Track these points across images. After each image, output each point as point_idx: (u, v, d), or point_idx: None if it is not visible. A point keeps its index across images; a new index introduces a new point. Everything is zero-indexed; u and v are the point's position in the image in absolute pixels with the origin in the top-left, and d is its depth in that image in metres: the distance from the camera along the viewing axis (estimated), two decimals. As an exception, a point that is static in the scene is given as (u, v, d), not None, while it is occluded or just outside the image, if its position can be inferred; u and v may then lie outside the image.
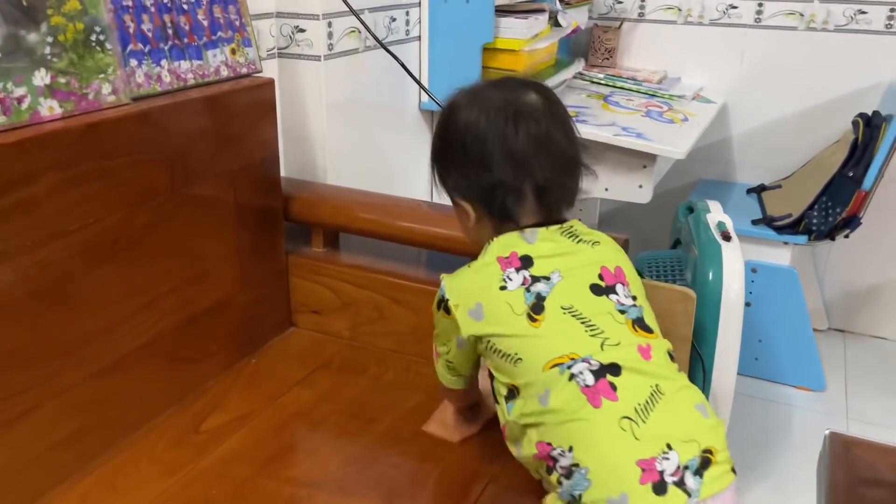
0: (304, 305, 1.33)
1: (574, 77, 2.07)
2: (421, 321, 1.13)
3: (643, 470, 0.73)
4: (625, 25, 2.19)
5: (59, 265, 0.89)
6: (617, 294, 0.85)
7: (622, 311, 0.84)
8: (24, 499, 0.89)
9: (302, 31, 1.38)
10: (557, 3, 1.94)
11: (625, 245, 1.15)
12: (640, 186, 1.64)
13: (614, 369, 0.78)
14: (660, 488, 0.73)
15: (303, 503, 0.93)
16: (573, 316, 0.82)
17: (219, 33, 1.15)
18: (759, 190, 2.08)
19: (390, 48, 1.53)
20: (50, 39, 0.88)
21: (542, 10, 1.74)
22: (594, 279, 0.86)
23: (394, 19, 1.58)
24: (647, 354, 0.82)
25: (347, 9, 1.37)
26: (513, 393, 0.83)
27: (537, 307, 0.82)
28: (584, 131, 1.60)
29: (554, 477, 0.78)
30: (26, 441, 0.89)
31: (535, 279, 0.84)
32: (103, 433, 0.99)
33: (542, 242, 0.86)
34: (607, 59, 2.18)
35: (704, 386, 1.35)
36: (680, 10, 2.14)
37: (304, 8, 1.35)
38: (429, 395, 1.09)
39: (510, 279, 0.84)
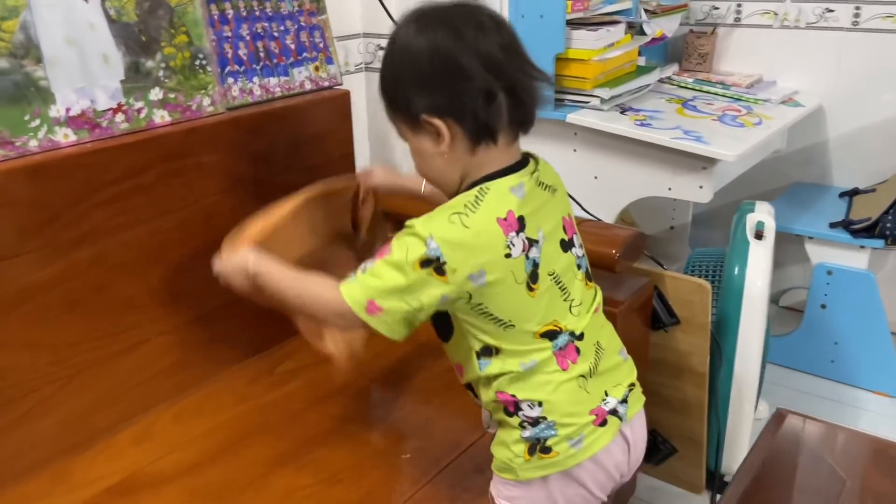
0: (375, 281, 1.57)
1: (661, 81, 2.16)
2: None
3: (595, 416, 0.90)
4: (721, 30, 2.24)
5: (163, 235, 1.18)
6: (575, 246, 0.92)
7: (578, 266, 0.93)
8: (130, 412, 1.18)
9: (382, 48, 1.61)
10: (643, 13, 2.05)
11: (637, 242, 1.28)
12: (701, 187, 1.72)
13: (580, 336, 0.91)
14: (603, 422, 0.91)
15: (337, 433, 1.16)
16: (555, 282, 0.89)
17: (304, 54, 1.41)
18: (851, 194, 2.06)
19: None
20: (163, 65, 1.17)
21: (615, 23, 1.86)
22: (561, 234, 0.90)
23: (473, 34, 1.78)
24: (596, 310, 0.95)
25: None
26: (489, 351, 0.88)
27: (534, 275, 0.86)
28: (645, 134, 1.73)
29: (515, 420, 0.90)
30: (135, 367, 1.18)
31: (530, 243, 0.86)
32: (197, 369, 1.27)
33: (528, 195, 0.87)
34: (700, 63, 2.24)
35: (722, 374, 1.44)
36: (776, 14, 2.16)
37: (384, 29, 1.59)
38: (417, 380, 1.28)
39: (513, 245, 0.84)
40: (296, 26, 1.39)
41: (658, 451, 1.53)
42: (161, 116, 1.18)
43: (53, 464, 1.08)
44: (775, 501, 0.89)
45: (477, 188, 0.85)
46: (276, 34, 1.36)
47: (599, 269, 1.29)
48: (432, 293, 0.83)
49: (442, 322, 0.91)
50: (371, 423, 1.19)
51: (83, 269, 1.09)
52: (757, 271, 1.39)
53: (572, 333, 0.90)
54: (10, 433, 1.05)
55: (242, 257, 0.98)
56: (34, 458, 1.07)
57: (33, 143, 1.03)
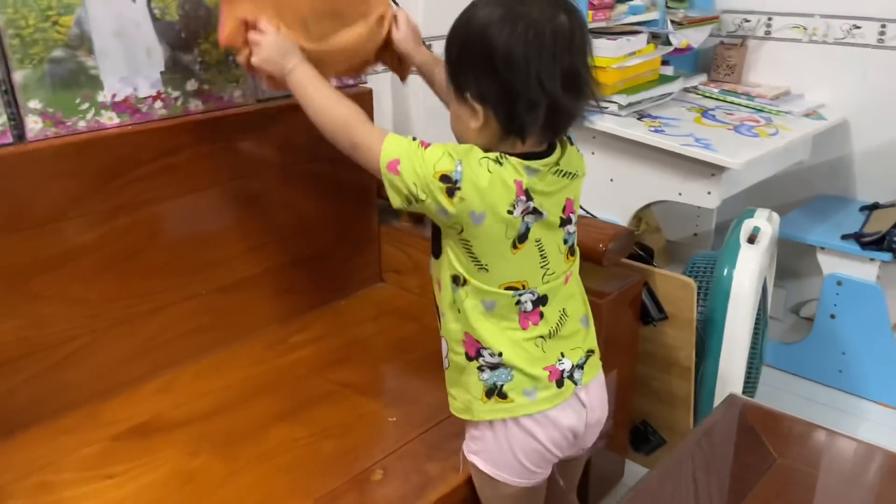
0: (390, 266, 1.69)
1: (686, 90, 2.22)
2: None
3: (549, 372, 1.00)
4: (751, 43, 2.29)
5: (192, 210, 1.33)
6: (569, 225, 1.01)
7: (565, 241, 1.01)
8: (156, 367, 1.32)
9: (407, 51, 1.73)
10: (669, 24, 2.12)
11: (626, 239, 1.37)
12: (709, 193, 1.79)
13: (545, 300, 1.01)
14: (559, 382, 1.01)
15: (335, 395, 1.28)
16: (538, 249, 0.97)
17: (332, 53, 1.53)
18: (871, 207, 2.08)
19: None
20: (199, 59, 1.31)
21: (636, 32, 1.94)
22: (560, 213, 0.98)
23: (497, 40, 1.89)
24: (567, 280, 1.04)
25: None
26: (458, 281, 0.98)
27: (523, 237, 0.95)
28: (656, 140, 1.80)
29: (474, 364, 0.99)
30: (161, 328, 1.33)
31: (533, 210, 0.94)
32: (218, 333, 1.41)
33: (541, 179, 0.94)
34: (728, 74, 2.29)
35: (707, 369, 1.51)
36: (805, 28, 2.20)
37: (409, 33, 1.70)
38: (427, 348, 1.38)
39: (517, 206, 0.92)
40: (325, 28, 1.52)
41: (648, 441, 1.61)
42: (195, 105, 1.32)
43: (86, 405, 1.24)
44: (707, 468, 0.97)
45: (498, 153, 0.92)
46: (306, 34, 1.49)
47: (588, 261, 1.39)
48: (435, 200, 0.92)
49: (437, 240, 1.01)
50: (367, 390, 1.31)
51: (120, 236, 1.24)
52: (745, 273, 1.45)
53: (539, 296, 0.99)
54: (51, 375, 1.20)
55: (283, 50, 1.06)
56: (70, 398, 1.23)
57: (82, 124, 1.19)
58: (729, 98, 2.16)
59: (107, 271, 1.24)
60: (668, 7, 2.13)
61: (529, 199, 0.93)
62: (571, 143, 1.02)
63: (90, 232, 1.21)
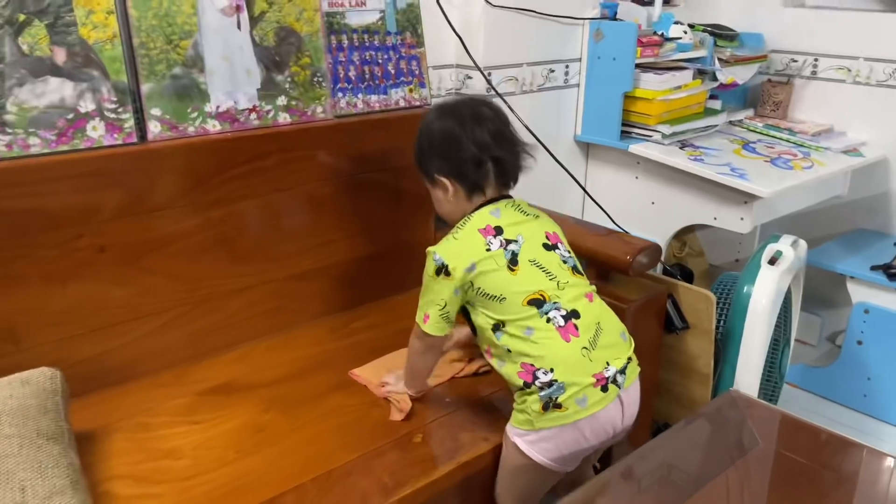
0: (443, 269, 1.88)
1: (732, 124, 2.36)
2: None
3: (596, 380, 1.17)
4: (798, 82, 2.41)
5: (275, 207, 1.55)
6: (559, 250, 1.26)
7: (564, 262, 1.25)
8: (236, 339, 1.54)
9: (470, 77, 1.94)
10: (716, 61, 2.26)
11: (652, 252, 1.53)
12: (742, 219, 1.92)
13: (576, 315, 1.20)
14: (604, 388, 1.18)
15: (386, 374, 1.48)
16: (536, 266, 1.21)
17: (402, 78, 1.75)
18: (907, 243, 2.18)
19: (548, 93, 2.05)
20: (289, 80, 1.54)
21: (682, 68, 2.10)
22: (543, 239, 1.26)
23: (552, 71, 2.08)
24: (591, 298, 1.24)
25: (505, 63, 1.91)
26: (498, 326, 1.20)
27: (514, 261, 1.21)
28: (695, 168, 1.95)
29: (534, 388, 1.16)
30: (242, 306, 1.55)
31: (508, 241, 1.22)
32: (288, 315, 1.63)
33: (504, 216, 1.24)
34: (774, 110, 2.42)
35: (724, 378, 1.65)
36: (850, 70, 2.31)
37: (470, 62, 1.90)
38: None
39: (491, 244, 1.21)
40: (397, 56, 1.74)
41: (669, 442, 1.75)
42: (284, 118, 1.55)
43: (177, 366, 1.46)
44: (695, 443, 1.12)
45: (462, 220, 1.26)
46: (380, 61, 1.71)
47: (617, 271, 1.56)
48: (448, 290, 1.22)
49: (468, 320, 1.27)
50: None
51: (214, 225, 1.47)
52: (763, 291, 1.59)
53: (567, 310, 1.19)
54: (152, 338, 1.44)
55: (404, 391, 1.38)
56: (165, 359, 1.46)
57: (191, 129, 1.42)
58: (772, 132, 2.29)
59: (202, 254, 1.47)
60: (716, 45, 2.28)
61: (499, 233, 1.23)
62: (523, 202, 1.32)
63: (191, 220, 1.44)
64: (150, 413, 1.34)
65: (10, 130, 1.23)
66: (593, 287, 1.27)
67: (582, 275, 1.26)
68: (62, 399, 1.15)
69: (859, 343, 2.05)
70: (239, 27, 1.47)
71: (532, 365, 1.18)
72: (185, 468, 1.20)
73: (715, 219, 1.98)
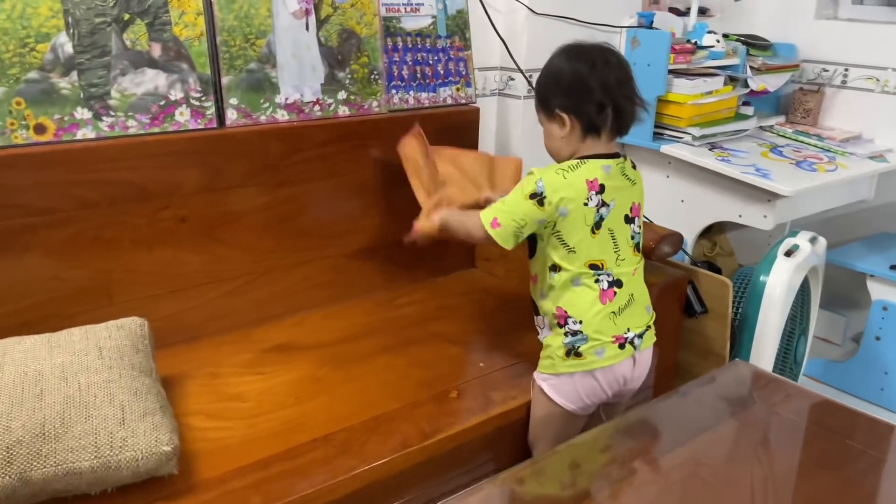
0: (482, 255, 2.04)
1: (763, 129, 2.47)
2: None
3: (615, 339, 1.33)
4: (828, 90, 2.51)
5: (332, 190, 1.73)
6: (634, 224, 1.38)
7: (632, 237, 1.37)
8: (296, 307, 1.73)
9: (512, 79, 2.10)
10: (748, 69, 2.38)
11: (674, 240, 1.67)
12: (765, 216, 2.04)
13: (619, 284, 1.35)
14: (622, 346, 1.33)
15: (428, 340, 1.64)
16: (611, 236, 1.33)
17: (450, 78, 1.92)
18: (929, 246, 2.27)
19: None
20: (349, 76, 1.72)
21: (713, 75, 2.22)
22: (627, 211, 1.35)
23: (590, 74, 2.22)
24: (635, 273, 1.38)
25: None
26: (556, 268, 1.33)
27: (598, 224, 1.31)
28: (721, 167, 2.08)
29: (562, 330, 1.33)
30: (302, 278, 1.73)
31: (603, 203, 1.30)
32: (341, 289, 1.80)
33: (612, 175, 1.31)
34: (804, 117, 2.52)
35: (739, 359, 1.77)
36: (878, 80, 2.40)
37: (514, 65, 2.06)
38: (523, 313, 1.72)
39: (591, 199, 1.29)
40: (446, 57, 1.91)
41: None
42: (343, 111, 1.73)
43: (243, 328, 1.65)
44: (700, 400, 1.26)
45: (579, 159, 1.32)
46: (430, 62, 1.88)
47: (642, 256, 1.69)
48: (533, 215, 1.30)
49: (532, 243, 1.38)
50: (453, 339, 1.66)
51: (280, 204, 1.66)
52: (777, 281, 1.71)
53: (614, 278, 1.34)
54: (222, 301, 1.63)
55: (435, 219, 1.50)
56: (231, 321, 1.65)
57: (262, 118, 1.61)
58: (801, 138, 2.39)
59: (268, 229, 1.66)
60: (749, 54, 2.40)
61: (601, 192, 1.30)
62: (630, 161, 1.39)
63: (260, 198, 1.63)
64: (220, 365, 1.52)
65: (112, 113, 1.43)
66: (642, 263, 1.41)
67: (639, 252, 1.40)
68: (150, 343, 1.35)
69: (877, 339, 2.14)
70: (307, 28, 1.65)
71: (566, 312, 1.33)
72: (251, 409, 1.38)
73: (740, 216, 2.10)
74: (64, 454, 1.07)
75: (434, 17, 1.88)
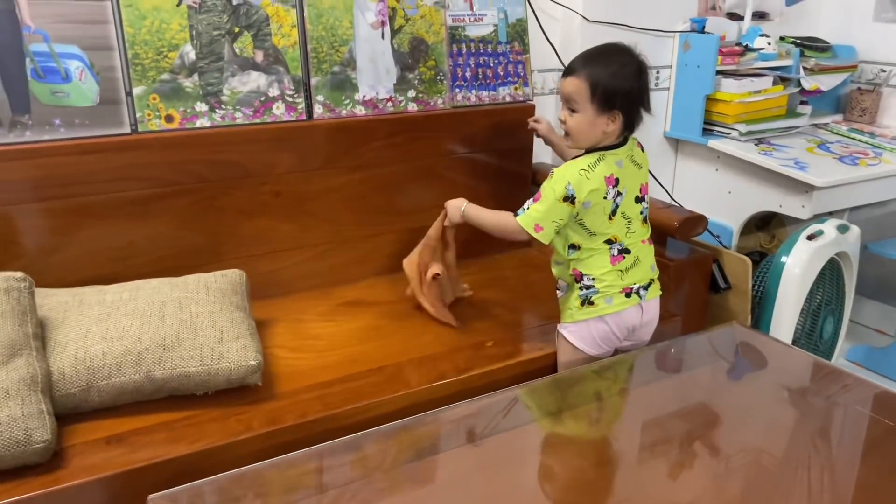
0: (535, 235, 2.30)
1: (817, 126, 2.59)
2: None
3: (623, 291, 1.58)
4: (885, 90, 2.60)
5: (401, 175, 2.04)
6: (643, 202, 1.60)
7: (641, 213, 1.61)
8: (365, 274, 2.04)
9: (568, 79, 2.34)
10: (801, 70, 2.52)
11: (697, 222, 1.87)
12: (803, 206, 2.19)
13: (628, 251, 1.59)
14: (628, 295, 1.58)
15: (478, 303, 1.92)
16: (625, 218, 1.57)
17: (509, 78, 2.19)
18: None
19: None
20: (418, 77, 2.03)
21: (761, 75, 2.38)
22: (637, 192, 1.58)
23: (643, 75, 2.43)
24: (644, 242, 1.62)
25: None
26: (574, 247, 1.57)
27: (614, 212, 1.55)
28: (761, 160, 2.25)
29: (578, 286, 1.59)
30: (373, 248, 2.05)
31: (618, 193, 1.53)
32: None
33: (624, 167, 1.54)
34: (861, 116, 2.61)
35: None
36: (934, 79, 2.49)
37: (570, 66, 2.30)
38: (545, 288, 1.97)
39: (608, 193, 1.52)
40: (506, 60, 2.18)
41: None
42: (412, 107, 2.03)
43: (322, 287, 1.98)
44: (698, 351, 1.47)
45: (597, 154, 1.53)
46: (491, 65, 2.16)
47: (668, 235, 1.91)
48: (567, 213, 1.52)
49: None
50: (499, 303, 1.93)
51: (355, 185, 1.98)
52: (797, 261, 1.87)
53: (625, 248, 1.58)
54: (307, 264, 1.97)
55: (460, 203, 1.76)
56: (313, 281, 1.98)
57: (344, 112, 1.94)
58: (854, 135, 2.50)
59: (346, 204, 1.99)
60: (803, 55, 2.53)
61: (616, 184, 1.53)
62: (636, 142, 1.61)
63: (339, 178, 1.96)
64: (303, 313, 1.86)
65: (223, 107, 1.79)
66: (649, 231, 1.64)
67: (647, 223, 1.64)
68: (246, 289, 1.69)
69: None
70: (382, 37, 1.97)
71: (581, 272, 1.59)
72: (324, 346, 1.70)
73: (780, 206, 2.25)
74: (178, 360, 1.42)
75: (496, 25, 2.15)
